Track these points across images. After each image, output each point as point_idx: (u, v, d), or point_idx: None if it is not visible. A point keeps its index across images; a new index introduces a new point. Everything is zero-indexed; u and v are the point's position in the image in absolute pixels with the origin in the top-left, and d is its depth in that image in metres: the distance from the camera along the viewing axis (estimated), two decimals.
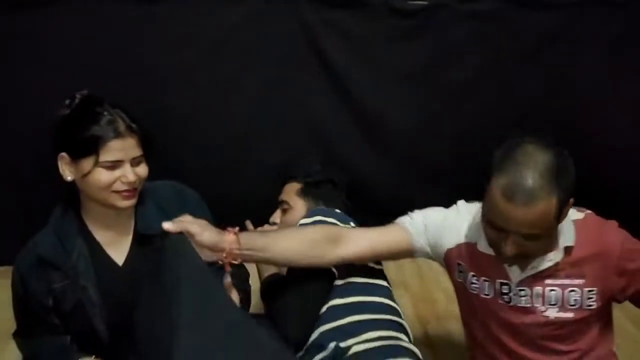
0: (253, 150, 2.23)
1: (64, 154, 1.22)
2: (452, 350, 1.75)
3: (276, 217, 1.79)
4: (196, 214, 1.23)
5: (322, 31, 2.05)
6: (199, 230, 1.11)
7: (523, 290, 1.21)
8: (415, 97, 2.19)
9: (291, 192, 1.78)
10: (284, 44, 2.05)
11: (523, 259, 1.18)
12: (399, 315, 1.40)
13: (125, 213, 1.29)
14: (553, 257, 1.18)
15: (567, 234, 1.18)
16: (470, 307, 1.32)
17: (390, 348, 1.26)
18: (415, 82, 2.16)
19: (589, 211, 1.24)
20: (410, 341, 1.34)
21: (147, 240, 1.29)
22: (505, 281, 1.23)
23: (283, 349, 1.17)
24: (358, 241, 1.31)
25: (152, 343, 1.08)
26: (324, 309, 1.33)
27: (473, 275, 1.28)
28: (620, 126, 2.17)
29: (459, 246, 1.30)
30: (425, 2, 2.01)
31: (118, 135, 1.19)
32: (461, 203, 1.36)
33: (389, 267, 2.14)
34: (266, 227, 1.76)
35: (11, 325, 1.38)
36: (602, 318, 1.26)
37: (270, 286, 1.42)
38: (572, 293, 1.19)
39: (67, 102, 1.25)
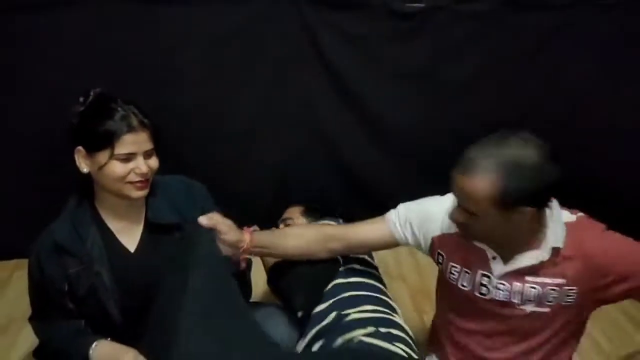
0: (254, 148, 2.27)
1: (80, 147, 1.26)
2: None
3: None
4: (204, 206, 1.39)
5: (322, 32, 2.09)
6: (225, 229, 1.30)
7: (503, 284, 1.22)
8: (414, 96, 2.22)
9: (295, 212, 1.94)
10: (285, 44, 2.08)
11: (468, 233, 1.22)
12: (391, 300, 1.52)
13: (137, 203, 1.35)
14: (538, 256, 1.18)
15: (557, 235, 1.17)
16: (450, 294, 1.36)
17: (385, 320, 1.37)
18: (415, 81, 2.19)
19: (581, 213, 1.23)
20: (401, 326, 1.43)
21: (157, 229, 1.36)
22: (486, 273, 1.24)
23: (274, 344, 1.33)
24: (348, 238, 1.46)
25: (161, 320, 1.17)
26: (329, 286, 1.47)
27: (453, 266, 1.31)
28: (618, 125, 2.19)
29: (443, 236, 1.33)
30: (423, 5, 2.05)
31: (131, 129, 1.24)
32: (450, 194, 1.37)
33: (387, 262, 2.23)
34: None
35: (27, 312, 1.43)
36: (575, 320, 1.25)
37: (279, 267, 1.54)
38: (552, 291, 1.18)
39: (82, 99, 1.29)
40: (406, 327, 1.41)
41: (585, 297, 1.18)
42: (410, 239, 1.40)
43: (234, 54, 2.08)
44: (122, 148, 1.24)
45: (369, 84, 2.20)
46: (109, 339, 1.33)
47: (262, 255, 1.50)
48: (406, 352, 1.29)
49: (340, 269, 1.52)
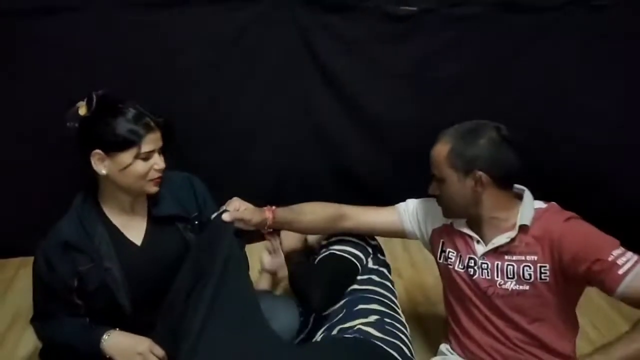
0: (253, 149, 2.29)
1: (97, 150, 1.27)
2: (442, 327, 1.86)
3: None
4: (204, 200, 1.47)
5: (318, 34, 2.12)
6: (249, 216, 1.43)
7: (485, 264, 1.37)
8: (408, 95, 2.26)
9: None
10: (282, 47, 2.12)
11: (442, 206, 1.40)
12: (398, 307, 1.58)
13: (140, 198, 1.39)
14: (510, 235, 1.32)
15: (525, 215, 1.32)
16: (450, 282, 1.47)
17: (389, 314, 1.47)
18: (408, 81, 2.23)
19: (554, 203, 1.36)
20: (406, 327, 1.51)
21: (160, 221, 1.41)
22: (472, 256, 1.39)
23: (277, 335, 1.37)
24: (359, 218, 1.58)
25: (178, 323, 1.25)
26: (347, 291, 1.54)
27: (450, 251, 1.45)
28: (604, 124, 2.22)
29: (441, 227, 1.49)
30: (415, 8, 2.09)
31: (150, 129, 1.29)
32: None
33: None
34: None
35: (29, 312, 1.42)
36: (564, 309, 1.34)
37: (300, 268, 1.61)
38: (527, 268, 1.31)
39: (85, 102, 1.28)
40: (407, 330, 1.47)
41: (556, 274, 1.29)
42: (416, 230, 1.55)
43: (233, 56, 2.11)
44: (146, 147, 1.28)
45: (365, 85, 2.24)
46: (117, 329, 1.35)
47: (283, 229, 1.63)
48: (399, 347, 1.36)
49: (359, 277, 1.57)
